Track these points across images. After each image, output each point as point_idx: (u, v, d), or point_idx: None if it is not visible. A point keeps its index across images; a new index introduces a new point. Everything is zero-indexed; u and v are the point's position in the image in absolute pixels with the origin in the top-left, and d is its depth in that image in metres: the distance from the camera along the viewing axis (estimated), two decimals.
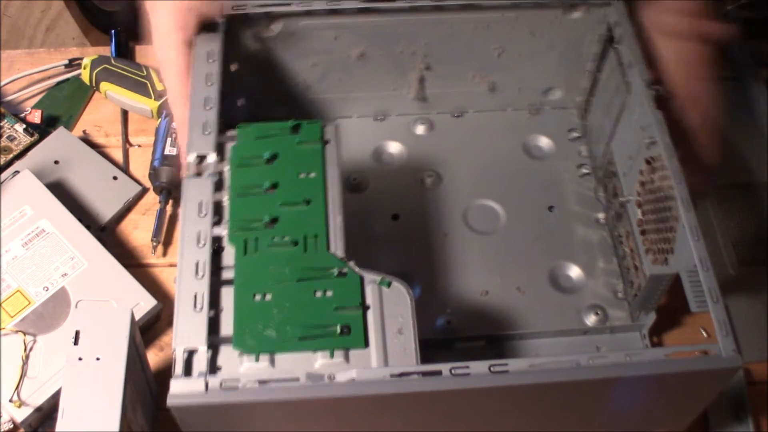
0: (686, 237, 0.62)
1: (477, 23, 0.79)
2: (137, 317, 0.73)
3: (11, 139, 0.85)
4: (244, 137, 0.66)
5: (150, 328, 0.76)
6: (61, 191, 0.82)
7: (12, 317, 0.73)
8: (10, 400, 0.68)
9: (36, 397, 0.69)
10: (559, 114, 0.89)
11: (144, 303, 0.75)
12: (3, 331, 0.72)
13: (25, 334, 0.72)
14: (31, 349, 0.71)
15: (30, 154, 0.85)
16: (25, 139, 0.85)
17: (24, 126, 0.86)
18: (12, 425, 0.70)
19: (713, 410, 0.73)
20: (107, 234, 0.82)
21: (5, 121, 0.86)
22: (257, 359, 0.56)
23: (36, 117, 0.89)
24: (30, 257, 0.76)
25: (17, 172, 0.81)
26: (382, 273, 0.61)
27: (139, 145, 0.89)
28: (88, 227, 0.79)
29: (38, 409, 0.69)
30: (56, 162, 0.84)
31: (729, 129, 0.91)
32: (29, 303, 0.74)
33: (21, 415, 0.68)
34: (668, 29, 0.74)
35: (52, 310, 0.74)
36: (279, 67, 0.81)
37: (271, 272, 0.60)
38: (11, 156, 0.84)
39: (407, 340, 0.58)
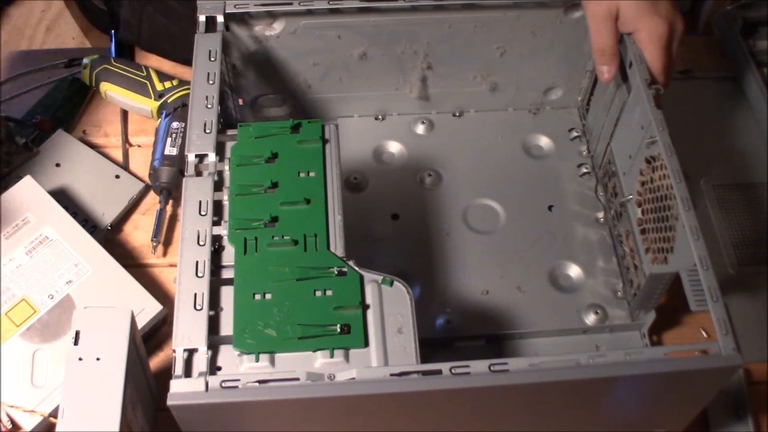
0: (686, 236, 0.62)
1: (478, 23, 0.79)
2: (143, 322, 0.73)
3: (10, 154, 0.84)
4: (245, 136, 0.66)
5: (156, 333, 0.76)
6: (65, 194, 0.82)
7: (18, 326, 0.72)
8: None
9: (44, 405, 0.69)
10: (560, 114, 0.89)
11: (149, 308, 0.74)
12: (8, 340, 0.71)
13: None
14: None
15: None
16: (26, 154, 0.84)
17: (23, 141, 0.84)
18: (11, 425, 0.70)
19: (713, 410, 0.73)
20: (110, 234, 0.82)
21: (4, 133, 0.85)
22: (257, 359, 0.56)
23: (45, 125, 0.87)
24: (34, 265, 0.75)
25: (19, 177, 0.80)
26: (381, 272, 0.61)
27: (139, 145, 0.89)
28: (94, 228, 0.79)
29: (47, 418, 0.68)
30: (57, 165, 0.84)
31: (729, 129, 0.91)
32: (35, 312, 0.73)
33: (30, 424, 0.68)
34: None
35: (58, 319, 0.73)
36: (280, 66, 0.81)
37: (271, 271, 0.60)
38: (11, 168, 0.83)
39: (407, 340, 0.58)
